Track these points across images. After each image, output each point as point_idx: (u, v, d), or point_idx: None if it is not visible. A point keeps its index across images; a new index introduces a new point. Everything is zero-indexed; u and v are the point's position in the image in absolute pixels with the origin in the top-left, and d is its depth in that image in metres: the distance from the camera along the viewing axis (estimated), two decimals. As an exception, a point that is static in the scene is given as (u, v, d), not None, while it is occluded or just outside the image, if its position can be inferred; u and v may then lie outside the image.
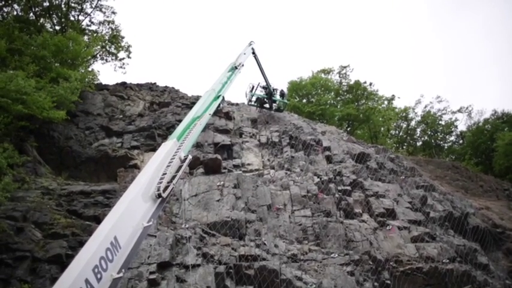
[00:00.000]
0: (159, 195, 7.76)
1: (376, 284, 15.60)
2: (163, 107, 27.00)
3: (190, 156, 9.32)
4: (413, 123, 48.49)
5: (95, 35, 32.72)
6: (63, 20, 32.70)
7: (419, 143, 48.58)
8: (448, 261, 17.01)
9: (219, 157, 20.89)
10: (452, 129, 48.26)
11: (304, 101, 46.15)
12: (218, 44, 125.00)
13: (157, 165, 8.42)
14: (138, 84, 29.72)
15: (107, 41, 33.33)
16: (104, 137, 23.40)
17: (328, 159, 23.04)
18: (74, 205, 16.20)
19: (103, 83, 28.97)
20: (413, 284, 16.37)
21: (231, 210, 17.22)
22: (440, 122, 48.08)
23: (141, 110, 26.34)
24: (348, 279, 15.21)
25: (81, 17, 33.94)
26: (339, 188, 20.14)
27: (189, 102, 26.63)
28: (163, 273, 13.47)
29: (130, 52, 34.24)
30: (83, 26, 33.61)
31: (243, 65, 18.57)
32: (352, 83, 46.62)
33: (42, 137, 21.18)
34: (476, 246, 18.93)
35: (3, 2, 29.84)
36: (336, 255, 16.28)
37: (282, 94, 28.81)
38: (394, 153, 28.51)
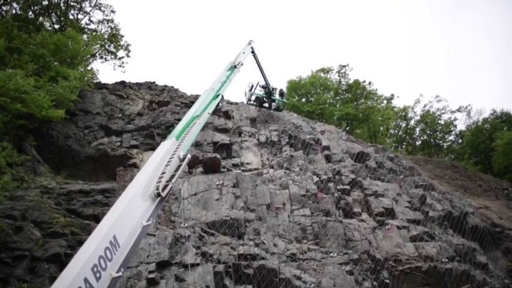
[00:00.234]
0: (158, 194, 7.77)
1: (375, 283, 15.62)
2: (163, 106, 26.98)
3: (189, 155, 9.34)
4: (412, 122, 48.62)
5: (94, 33, 32.73)
6: (62, 18, 32.69)
7: (418, 143, 48.66)
8: (447, 260, 17.04)
9: (218, 156, 20.87)
10: (452, 128, 48.37)
11: (304, 100, 46.14)
12: (218, 43, 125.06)
13: (156, 165, 8.44)
14: (137, 83, 29.70)
15: (106, 40, 33.36)
16: (103, 136, 23.37)
17: (327, 158, 23.05)
18: (73, 204, 16.18)
19: (102, 82, 28.94)
20: (412, 283, 16.39)
21: (230, 209, 17.22)
22: (439, 121, 48.18)
23: (140, 109, 26.32)
24: (347, 278, 15.22)
25: (80, 16, 34.02)
26: (338, 187, 20.15)
27: (188, 101, 26.61)
28: (162, 273, 13.46)
29: (129, 51, 34.34)
30: (82, 25, 33.62)
31: (242, 64, 18.57)
32: (351, 82, 46.67)
33: (41, 136, 21.15)
34: (475, 246, 18.96)
35: (2, 1, 29.80)
36: (335, 254, 16.29)
37: (281, 93, 28.81)
38: (393, 152, 28.53)
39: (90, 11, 33.87)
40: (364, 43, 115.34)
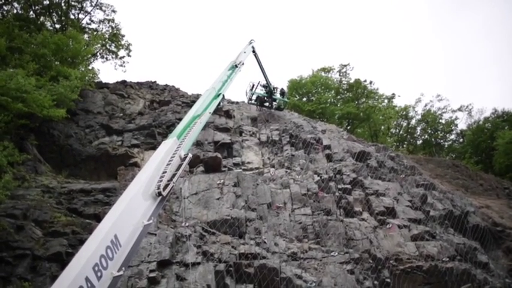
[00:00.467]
0: (159, 194, 7.78)
1: (376, 282, 15.62)
2: (164, 105, 26.99)
3: (190, 155, 9.34)
4: (413, 121, 48.56)
5: (95, 33, 32.72)
6: (63, 18, 32.70)
7: (419, 142, 48.60)
8: (448, 259, 17.03)
9: (219, 155, 20.88)
10: (453, 127, 48.31)
11: (305, 99, 46.11)
12: (218, 42, 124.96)
13: (157, 164, 8.45)
14: (138, 83, 29.71)
15: (107, 40, 33.36)
16: (104, 135, 23.40)
17: (328, 157, 23.05)
18: (74, 203, 16.19)
19: (103, 82, 28.96)
20: (413, 283, 16.39)
21: (231, 208, 17.23)
22: (440, 120, 48.12)
23: (141, 109, 26.34)
24: (347, 277, 15.23)
25: (81, 16, 34.02)
26: (339, 186, 20.15)
27: (189, 101, 26.63)
28: (163, 271, 13.47)
29: (130, 50, 34.34)
30: (83, 25, 33.63)
31: (243, 64, 18.59)
32: (352, 81, 46.59)
33: (42, 135, 21.18)
34: (476, 245, 18.95)
35: (3, 1, 29.83)
36: (336, 253, 16.30)
37: (282, 92, 28.83)
38: (394, 151, 28.49)
39: (91, 10, 33.92)
40: (365, 42, 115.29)
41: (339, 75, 48.04)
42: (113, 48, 33.82)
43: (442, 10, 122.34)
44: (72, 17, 33.35)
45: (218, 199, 17.67)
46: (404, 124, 48.84)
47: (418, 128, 48.76)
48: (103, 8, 33.72)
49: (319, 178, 20.49)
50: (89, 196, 16.69)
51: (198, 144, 22.02)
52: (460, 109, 48.04)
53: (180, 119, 12.09)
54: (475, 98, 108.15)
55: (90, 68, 29.40)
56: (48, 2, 31.68)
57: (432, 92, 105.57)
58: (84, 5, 33.64)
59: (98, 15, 40.28)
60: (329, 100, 45.89)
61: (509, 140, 36.08)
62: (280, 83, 57.84)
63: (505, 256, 20.18)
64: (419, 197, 20.78)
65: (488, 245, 19.80)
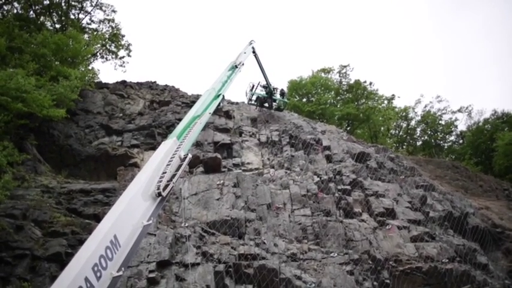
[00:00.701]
0: (159, 194, 7.78)
1: (375, 283, 15.62)
2: (163, 105, 26.99)
3: (190, 155, 9.33)
4: (413, 122, 48.57)
5: (95, 33, 32.71)
6: (63, 18, 32.71)
7: (419, 143, 48.61)
8: (447, 260, 17.03)
9: (219, 156, 20.88)
10: (452, 129, 48.31)
11: (304, 100, 46.13)
12: (218, 43, 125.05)
13: (157, 164, 8.44)
14: (138, 83, 29.70)
15: (107, 40, 33.37)
16: (104, 135, 23.39)
17: (328, 158, 23.04)
18: (74, 203, 16.18)
19: (103, 82, 28.94)
20: (412, 284, 16.39)
21: (230, 209, 17.22)
22: (440, 121, 48.13)
23: (141, 109, 26.34)
24: (347, 278, 15.22)
25: (81, 16, 34.03)
26: (339, 187, 20.14)
27: (189, 101, 26.61)
28: (162, 272, 13.46)
29: (130, 51, 34.36)
30: (83, 25, 33.63)
31: (243, 64, 18.57)
32: (352, 82, 46.68)
33: (42, 135, 21.16)
34: (476, 246, 18.95)
35: (3, 0, 29.83)
36: (336, 254, 16.30)
37: (282, 93, 28.81)
38: (394, 152, 28.51)
39: (91, 10, 33.94)
40: (365, 43, 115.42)
41: (339, 76, 48.17)
42: (113, 48, 33.86)
43: (442, 10, 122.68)
44: (72, 17, 33.38)
45: (218, 200, 17.67)
46: (404, 125, 48.87)
47: (418, 129, 48.81)
48: (103, 8, 33.80)
49: (318, 179, 20.49)
50: (89, 196, 16.68)
51: (197, 144, 22.01)
52: (459, 110, 48.14)
53: (180, 120, 12.09)
54: (474, 99, 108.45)
55: (90, 68, 29.42)
56: (48, 2, 31.70)
57: (432, 93, 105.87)
58: (84, 5, 33.71)
59: (98, 15, 40.24)
60: (329, 101, 45.91)
61: (509, 142, 36.09)
62: (280, 83, 57.86)
63: (505, 257, 20.18)
64: (419, 198, 20.78)
65: (488, 247, 19.80)
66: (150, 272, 13.24)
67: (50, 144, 21.61)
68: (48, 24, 31.86)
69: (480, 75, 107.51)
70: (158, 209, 7.83)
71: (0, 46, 21.19)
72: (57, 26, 32.00)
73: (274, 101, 28.05)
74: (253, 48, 23.63)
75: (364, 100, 46.16)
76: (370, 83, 46.32)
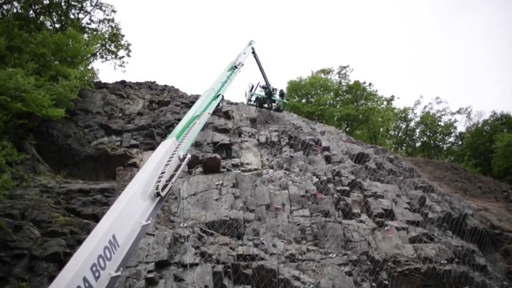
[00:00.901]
0: (158, 194, 7.77)
1: (374, 284, 15.63)
2: (163, 105, 26.99)
3: (189, 155, 9.34)
4: (412, 124, 48.59)
5: (94, 33, 32.71)
6: (63, 18, 32.70)
7: (418, 144, 48.64)
8: (446, 262, 17.05)
9: (218, 156, 20.87)
10: (452, 130, 48.33)
11: (304, 101, 46.17)
12: (218, 43, 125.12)
13: (156, 164, 8.44)
14: (137, 83, 29.71)
15: (106, 39, 33.36)
16: (103, 135, 23.38)
17: (327, 159, 23.05)
18: (73, 203, 16.16)
19: (102, 82, 28.96)
20: (411, 285, 16.40)
21: (229, 209, 17.22)
22: (439, 123, 48.15)
23: (140, 109, 26.34)
24: (345, 279, 15.23)
25: (81, 15, 34.02)
26: (338, 188, 20.15)
27: (189, 101, 26.61)
28: (161, 272, 13.46)
29: (130, 51, 34.33)
30: (83, 24, 33.61)
31: (242, 65, 18.57)
32: (351, 83, 46.73)
33: (41, 135, 21.15)
34: (474, 248, 18.97)
35: (3, 0, 29.81)
36: (334, 255, 16.29)
37: (282, 94, 28.84)
38: (393, 153, 28.55)
39: (91, 10, 33.94)
40: (365, 44, 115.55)
41: (338, 76, 48.24)
42: (112, 48, 33.85)
43: (443, 11, 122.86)
44: (72, 16, 33.38)
45: (217, 200, 17.66)
46: (403, 126, 48.90)
47: (417, 130, 48.83)
48: (103, 8, 33.80)
49: (317, 180, 20.49)
50: (88, 196, 16.66)
51: (197, 145, 22.01)
52: (459, 111, 48.18)
53: (179, 120, 12.09)
54: (474, 100, 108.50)
55: (89, 67, 29.48)
56: (48, 2, 31.70)
57: (431, 94, 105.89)
58: (84, 4, 33.72)
59: (98, 15, 40.27)
60: (328, 102, 45.94)
61: (508, 143, 36.12)
62: (280, 84, 57.93)
63: (503, 259, 20.21)
64: (418, 199, 20.80)
65: (486, 248, 19.82)
66: (149, 272, 13.23)
67: (49, 144, 21.59)
68: (48, 23, 31.90)
69: (479, 77, 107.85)
70: (157, 209, 7.82)
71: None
72: (57, 25, 32.01)
73: (274, 101, 28.06)
74: (252, 48, 23.65)
75: (363, 101, 46.22)
76: (370, 84, 46.49)
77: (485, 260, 18.77)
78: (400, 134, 49.26)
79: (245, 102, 28.57)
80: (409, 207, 20.03)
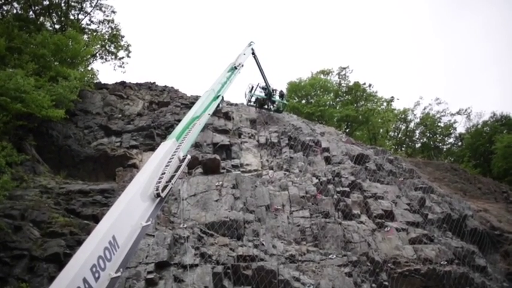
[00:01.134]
0: (158, 195, 7.77)
1: (374, 285, 15.62)
2: (163, 106, 26.99)
3: (189, 156, 9.34)
4: (412, 125, 48.60)
5: (94, 34, 32.76)
6: (62, 18, 32.71)
7: (418, 145, 48.63)
8: (446, 263, 17.05)
9: (218, 157, 20.88)
10: (451, 131, 48.33)
11: (304, 101, 46.17)
12: (218, 44, 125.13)
13: (156, 165, 8.44)
14: (137, 84, 29.71)
15: (106, 40, 33.39)
16: (103, 136, 23.38)
17: (327, 160, 23.06)
18: (72, 204, 16.16)
19: (102, 82, 28.97)
20: (411, 286, 16.41)
21: (229, 210, 17.21)
22: (439, 124, 48.17)
23: (140, 110, 26.33)
24: (345, 280, 15.22)
25: (81, 16, 34.05)
26: (338, 189, 20.16)
27: (188, 102, 26.62)
28: (161, 273, 13.45)
29: (129, 51, 34.38)
30: (83, 25, 33.64)
31: (242, 66, 18.59)
32: (351, 84, 46.76)
33: (41, 135, 21.14)
34: (474, 249, 18.97)
35: (3, 0, 29.83)
36: (334, 256, 16.29)
37: (281, 95, 28.86)
38: (392, 154, 28.55)
39: (91, 11, 33.98)
40: (365, 45, 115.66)
41: (338, 77, 48.28)
42: (112, 49, 33.88)
43: (442, 11, 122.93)
44: (71, 17, 33.40)
45: (216, 201, 17.66)
46: (403, 127, 48.91)
47: (417, 131, 48.85)
48: (103, 9, 33.85)
49: (317, 180, 20.50)
50: (87, 197, 16.66)
51: (196, 145, 22.02)
52: (458, 112, 48.18)
53: (179, 121, 12.09)
54: (474, 101, 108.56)
55: (89, 68, 29.49)
56: (48, 3, 31.72)
57: (431, 95, 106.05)
58: (84, 5, 33.76)
59: (98, 15, 40.47)
60: (328, 102, 45.94)
61: (508, 144, 36.13)
62: (280, 85, 57.93)
63: (503, 260, 20.21)
64: (418, 200, 20.80)
65: (486, 249, 19.83)
66: (149, 273, 13.23)
67: (49, 145, 21.59)
68: (48, 24, 31.91)
69: (479, 78, 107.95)
70: (157, 210, 7.82)
71: (-1, 46, 21.21)
72: (57, 26, 32.02)
73: (274, 102, 28.08)
74: (252, 49, 23.66)
75: (363, 102, 46.24)
76: (370, 85, 46.51)
77: (485, 261, 18.77)
78: (399, 135, 49.28)
79: (245, 103, 28.59)
80: (409, 208, 20.03)
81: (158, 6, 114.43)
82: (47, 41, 23.46)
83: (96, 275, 5.85)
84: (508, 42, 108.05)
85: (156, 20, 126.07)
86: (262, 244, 16.03)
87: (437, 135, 48.56)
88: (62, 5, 32.93)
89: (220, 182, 18.62)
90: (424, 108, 48.21)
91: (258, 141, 24.79)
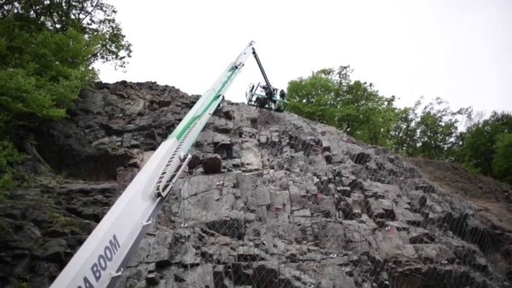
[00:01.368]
0: (159, 194, 7.78)
1: (374, 284, 15.63)
2: (163, 106, 26.99)
3: (189, 156, 9.35)
4: (413, 124, 48.61)
5: (95, 33, 32.72)
6: (63, 18, 32.71)
7: (419, 144, 48.61)
8: (446, 262, 17.04)
9: (219, 156, 20.89)
10: (452, 130, 48.32)
11: (304, 101, 46.16)
12: (219, 43, 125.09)
13: (156, 164, 8.45)
14: (138, 83, 29.71)
15: (107, 40, 33.38)
16: (104, 135, 23.39)
17: (328, 159, 23.05)
18: (73, 203, 16.19)
19: (103, 82, 28.96)
20: (411, 285, 16.40)
21: (230, 209, 17.22)
22: (440, 123, 48.15)
23: (141, 109, 26.34)
24: (346, 279, 15.23)
25: (81, 16, 34.03)
26: (338, 188, 20.15)
27: (189, 102, 26.61)
28: (161, 272, 13.47)
29: (130, 51, 34.35)
30: (84, 25, 33.62)
31: (243, 65, 18.60)
32: (352, 83, 46.73)
33: (41, 135, 21.17)
34: (475, 248, 18.96)
35: (3, 0, 29.84)
36: (335, 255, 16.29)
37: (282, 94, 28.82)
38: (393, 154, 28.52)
39: (92, 10, 33.94)
40: (365, 44, 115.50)
41: (339, 77, 48.22)
42: (113, 48, 33.85)
43: (443, 11, 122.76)
44: (72, 17, 33.37)
45: (217, 200, 17.67)
46: (404, 126, 48.90)
47: (418, 131, 48.83)
48: (103, 8, 33.80)
49: (318, 180, 20.49)
50: (88, 196, 16.69)
51: (197, 145, 22.02)
52: (459, 112, 48.16)
53: (180, 120, 12.10)
54: (474, 100, 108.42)
55: (90, 68, 29.44)
56: (48, 2, 31.72)
57: (432, 94, 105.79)
58: (85, 5, 33.72)
59: (99, 15, 40.30)
60: (329, 102, 45.94)
61: (509, 143, 36.12)
62: (280, 84, 57.94)
63: (504, 259, 20.20)
64: (419, 199, 20.79)
65: (487, 248, 19.82)
66: (149, 272, 13.25)
67: (50, 144, 21.61)
68: (49, 24, 31.91)
69: (480, 77, 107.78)
70: (158, 209, 7.83)
71: (0, 46, 21.19)
72: (58, 26, 32.02)
73: (274, 101, 28.06)
74: (253, 49, 23.67)
75: (364, 101, 46.21)
76: (370, 84, 46.47)
77: (486, 260, 18.76)
78: (400, 134, 49.26)
79: (246, 102, 28.56)
80: (410, 208, 20.02)
81: (159, 6, 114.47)
82: (47, 41, 23.46)
83: (97, 274, 5.87)
84: (508, 42, 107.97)
85: (157, 20, 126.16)
86: (263, 243, 16.04)
87: (438, 135, 48.54)
88: (63, 4, 32.94)
89: (221, 182, 18.63)
90: (425, 108, 48.29)
91: (258, 140, 24.79)
